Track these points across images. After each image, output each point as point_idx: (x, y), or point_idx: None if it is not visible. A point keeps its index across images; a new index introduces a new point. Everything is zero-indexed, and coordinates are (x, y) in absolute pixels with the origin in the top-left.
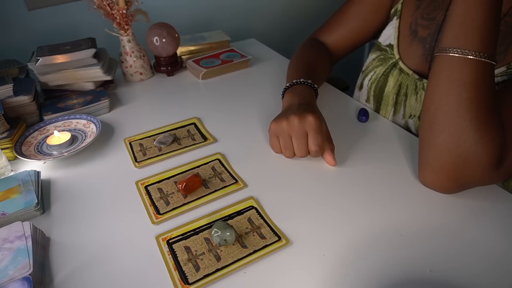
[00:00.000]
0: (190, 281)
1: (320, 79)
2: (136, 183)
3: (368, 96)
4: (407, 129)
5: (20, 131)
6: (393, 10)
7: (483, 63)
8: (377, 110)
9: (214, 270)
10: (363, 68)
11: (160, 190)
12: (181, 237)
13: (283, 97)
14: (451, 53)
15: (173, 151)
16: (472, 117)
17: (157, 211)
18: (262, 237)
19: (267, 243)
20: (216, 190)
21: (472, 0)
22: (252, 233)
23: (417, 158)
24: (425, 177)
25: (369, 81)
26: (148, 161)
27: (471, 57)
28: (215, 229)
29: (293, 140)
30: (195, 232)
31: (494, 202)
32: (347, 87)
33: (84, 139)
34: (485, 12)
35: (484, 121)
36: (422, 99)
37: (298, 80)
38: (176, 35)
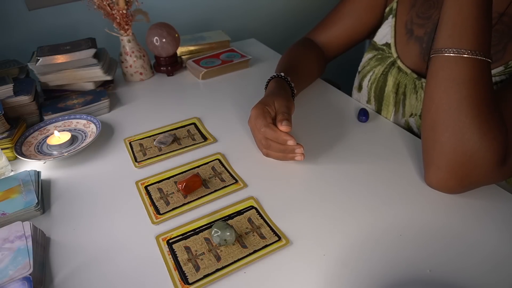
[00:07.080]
0: (190, 281)
1: (300, 74)
2: (136, 183)
3: (369, 97)
4: (408, 128)
5: (20, 131)
6: (388, 8)
7: (479, 61)
8: (378, 111)
9: (214, 270)
10: (359, 69)
11: (160, 190)
12: (181, 237)
13: None
14: (447, 53)
15: (173, 151)
16: (474, 114)
17: (157, 211)
18: (262, 237)
19: (267, 243)
20: (216, 190)
21: (463, 0)
22: (252, 233)
23: (418, 157)
24: (431, 177)
25: (368, 81)
26: (148, 161)
27: (467, 55)
28: (215, 229)
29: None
30: (195, 232)
31: (496, 203)
32: (338, 88)
33: (84, 139)
34: (477, 11)
35: (486, 118)
36: (422, 98)
37: (270, 77)
38: (176, 35)
